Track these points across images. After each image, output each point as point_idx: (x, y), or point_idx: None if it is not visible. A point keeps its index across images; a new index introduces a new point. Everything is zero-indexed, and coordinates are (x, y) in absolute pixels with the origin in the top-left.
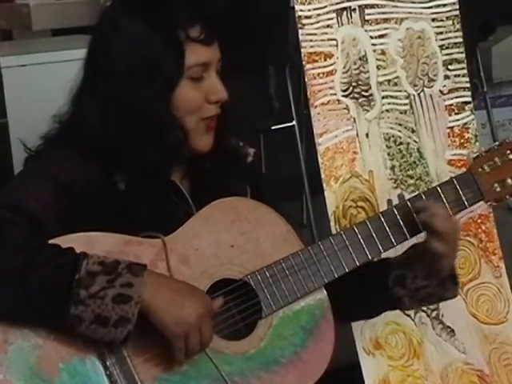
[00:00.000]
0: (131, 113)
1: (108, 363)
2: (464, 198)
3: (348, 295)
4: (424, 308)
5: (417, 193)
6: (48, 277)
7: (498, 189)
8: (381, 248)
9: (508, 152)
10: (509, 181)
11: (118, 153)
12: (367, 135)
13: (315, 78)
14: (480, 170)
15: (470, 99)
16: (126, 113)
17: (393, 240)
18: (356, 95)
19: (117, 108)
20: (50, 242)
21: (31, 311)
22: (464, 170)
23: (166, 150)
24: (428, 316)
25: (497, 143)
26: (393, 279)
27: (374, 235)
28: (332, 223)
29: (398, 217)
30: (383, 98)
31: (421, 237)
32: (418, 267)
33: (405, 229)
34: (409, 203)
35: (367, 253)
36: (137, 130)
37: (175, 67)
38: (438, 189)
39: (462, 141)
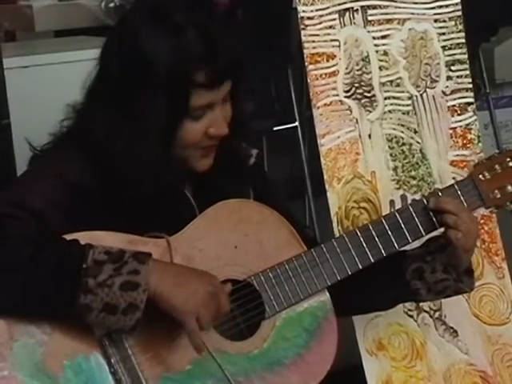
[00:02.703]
0: (135, 142)
1: (112, 361)
2: (465, 204)
3: (365, 288)
4: (427, 309)
5: (419, 196)
6: (55, 268)
7: (499, 195)
8: (383, 251)
9: (508, 160)
10: (509, 188)
11: (121, 164)
12: (370, 136)
13: (317, 78)
14: (481, 176)
15: (472, 100)
16: (130, 140)
17: (395, 243)
18: (358, 96)
19: (122, 130)
20: None
21: (40, 303)
22: (466, 171)
23: (164, 182)
24: (431, 317)
25: (497, 151)
26: (411, 272)
27: (376, 239)
28: (334, 224)
29: (400, 220)
30: (386, 98)
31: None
32: (437, 260)
33: (407, 232)
34: (410, 207)
35: (369, 256)
36: (138, 157)
37: (178, 110)
38: (440, 194)
39: (464, 141)
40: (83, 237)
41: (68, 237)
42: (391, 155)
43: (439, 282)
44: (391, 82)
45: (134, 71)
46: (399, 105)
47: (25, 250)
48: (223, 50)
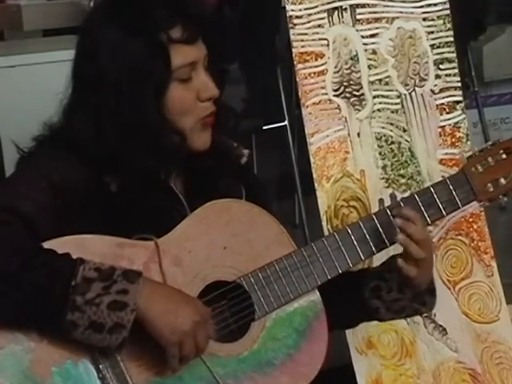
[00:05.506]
0: (125, 122)
1: (101, 366)
2: (457, 199)
3: (328, 306)
4: None
5: (409, 193)
6: (44, 282)
7: (491, 189)
8: (374, 249)
9: (501, 152)
10: (502, 180)
11: (113, 160)
12: (359, 135)
13: (306, 77)
14: (473, 169)
15: (461, 98)
16: (119, 123)
17: (386, 241)
18: (347, 95)
19: (110, 119)
20: (44, 244)
21: (26, 316)
22: (455, 169)
23: (164, 155)
24: (420, 315)
25: (490, 143)
26: (369, 290)
27: (367, 236)
28: (324, 223)
29: (391, 217)
30: (374, 97)
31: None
32: (394, 279)
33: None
34: (401, 203)
35: (360, 254)
36: (132, 138)
37: (162, 71)
38: (431, 189)
39: (453, 140)
40: (72, 241)
41: (57, 241)
42: (380, 154)
43: (395, 302)
44: (380, 80)
45: (112, 66)
46: (388, 103)
47: (14, 259)
48: (192, 5)
